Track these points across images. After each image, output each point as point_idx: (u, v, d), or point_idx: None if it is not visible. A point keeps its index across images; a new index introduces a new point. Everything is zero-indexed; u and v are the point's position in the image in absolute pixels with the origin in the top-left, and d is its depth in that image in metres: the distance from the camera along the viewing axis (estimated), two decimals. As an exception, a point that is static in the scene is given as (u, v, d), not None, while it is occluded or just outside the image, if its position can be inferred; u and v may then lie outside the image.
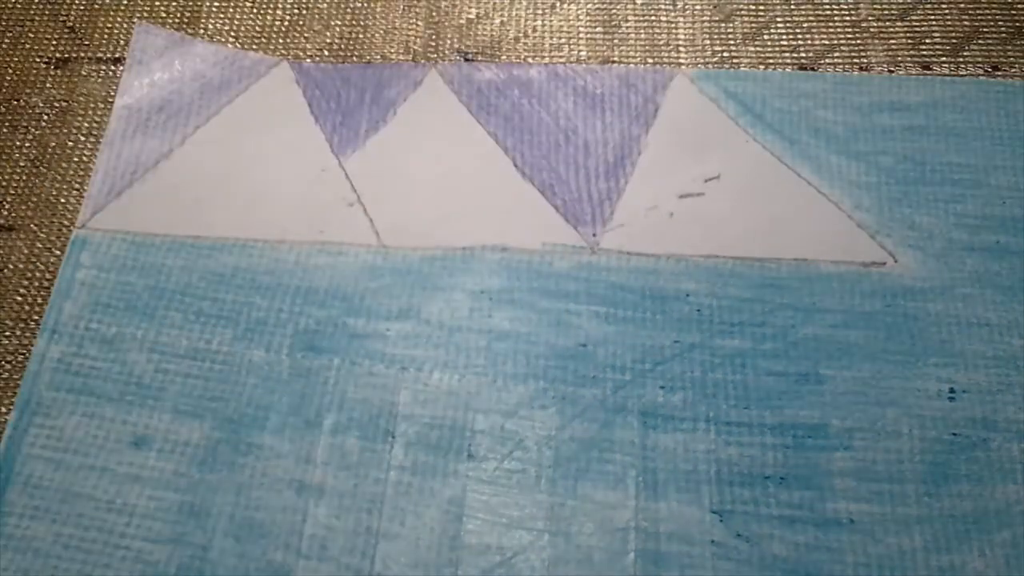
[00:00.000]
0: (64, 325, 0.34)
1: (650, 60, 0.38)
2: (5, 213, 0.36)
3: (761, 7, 0.39)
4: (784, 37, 0.38)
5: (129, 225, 0.36)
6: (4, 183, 0.35)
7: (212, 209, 0.36)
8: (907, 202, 0.34)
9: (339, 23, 0.40)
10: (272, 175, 0.36)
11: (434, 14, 0.40)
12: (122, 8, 0.40)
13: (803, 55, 0.38)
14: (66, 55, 0.39)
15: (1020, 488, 0.30)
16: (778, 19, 0.39)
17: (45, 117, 0.38)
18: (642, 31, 0.39)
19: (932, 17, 0.38)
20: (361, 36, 0.40)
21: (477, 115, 0.37)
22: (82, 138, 0.37)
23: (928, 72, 0.37)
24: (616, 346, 0.32)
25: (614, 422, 0.31)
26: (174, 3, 0.41)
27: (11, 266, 0.35)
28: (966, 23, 0.38)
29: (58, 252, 0.35)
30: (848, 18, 0.39)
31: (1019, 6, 0.38)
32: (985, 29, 0.38)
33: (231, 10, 0.41)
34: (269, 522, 0.30)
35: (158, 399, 0.32)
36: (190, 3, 0.41)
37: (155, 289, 0.34)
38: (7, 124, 0.38)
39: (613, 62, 0.38)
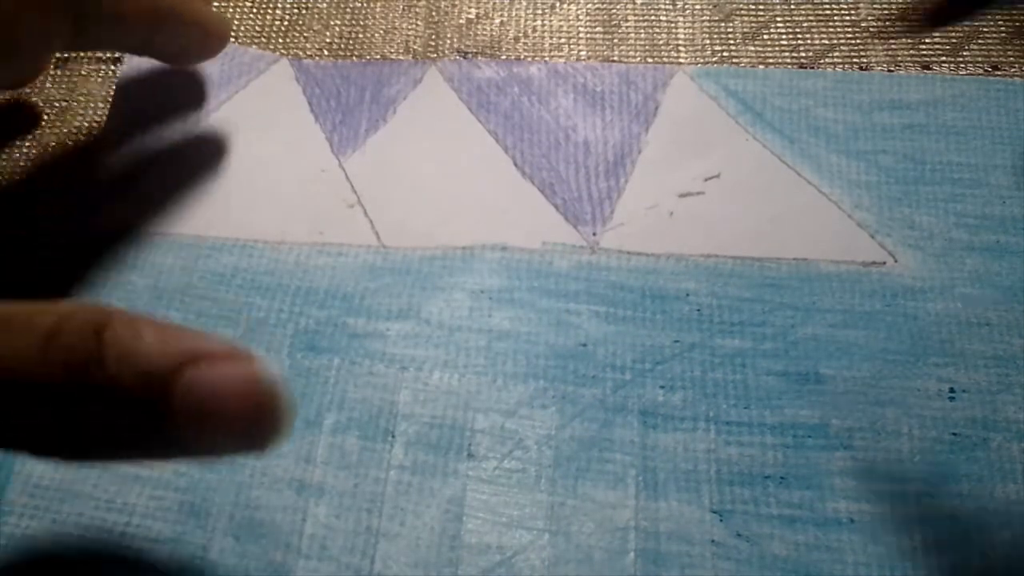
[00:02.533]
0: (64, 325, 0.34)
1: (650, 60, 0.38)
2: (5, 210, 0.36)
3: (761, 7, 0.39)
4: (784, 37, 0.38)
5: (128, 224, 0.35)
6: (4, 181, 0.35)
7: (211, 209, 0.36)
8: (907, 201, 0.34)
9: (339, 23, 0.40)
10: (272, 175, 0.36)
11: (434, 14, 0.40)
12: (122, 7, 0.40)
13: (803, 55, 0.38)
14: (66, 55, 0.39)
15: (1020, 488, 0.30)
16: (778, 19, 0.39)
17: (45, 117, 0.38)
18: (642, 31, 0.39)
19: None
20: (361, 36, 0.40)
21: (477, 113, 0.37)
22: (82, 138, 0.37)
23: (928, 72, 0.37)
24: (616, 346, 0.32)
25: (614, 422, 0.31)
26: (174, 2, 0.41)
27: (11, 266, 0.35)
28: (966, 23, 0.38)
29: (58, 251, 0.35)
30: (848, 18, 0.39)
31: (1019, 6, 0.38)
32: (985, 29, 0.38)
33: (231, 10, 0.41)
34: (269, 522, 0.30)
35: (158, 399, 0.32)
36: (190, 3, 0.41)
37: (155, 289, 0.34)
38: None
39: (613, 62, 0.38)
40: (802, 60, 0.38)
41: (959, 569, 0.28)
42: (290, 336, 0.33)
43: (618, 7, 0.40)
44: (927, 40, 0.38)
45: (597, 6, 0.40)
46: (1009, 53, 0.37)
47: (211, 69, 0.38)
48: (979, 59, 0.37)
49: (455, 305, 0.33)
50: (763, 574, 0.28)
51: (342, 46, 0.39)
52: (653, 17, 0.39)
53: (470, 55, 0.39)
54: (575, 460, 0.30)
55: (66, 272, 0.35)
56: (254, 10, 0.41)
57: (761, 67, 0.37)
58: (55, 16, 0.31)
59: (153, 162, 0.37)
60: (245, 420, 0.25)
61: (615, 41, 0.39)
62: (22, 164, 0.37)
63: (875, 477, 0.29)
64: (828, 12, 0.39)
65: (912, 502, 0.29)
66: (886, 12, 0.38)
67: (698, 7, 0.39)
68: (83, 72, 0.39)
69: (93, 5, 0.32)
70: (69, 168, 0.36)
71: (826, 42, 0.38)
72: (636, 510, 0.30)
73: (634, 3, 0.40)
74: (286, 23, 0.40)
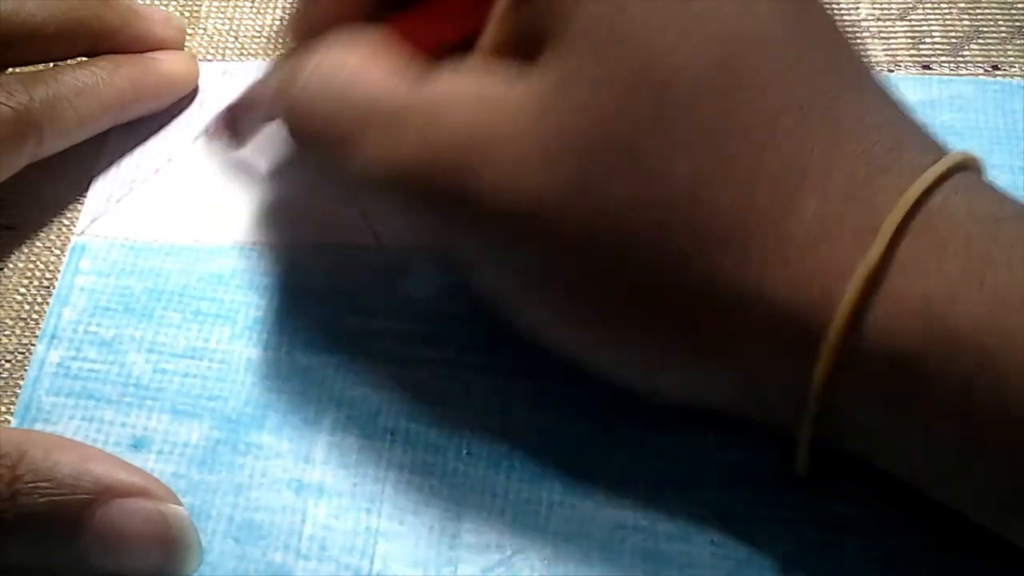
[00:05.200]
0: (63, 330, 0.34)
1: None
2: (5, 212, 0.36)
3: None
4: (784, 37, 0.38)
5: (128, 231, 0.36)
6: (4, 182, 0.35)
7: (211, 214, 0.36)
8: (906, 200, 0.34)
9: (338, 24, 0.40)
10: (270, 179, 0.36)
11: (433, 15, 0.40)
12: (122, 9, 0.40)
13: (803, 55, 0.38)
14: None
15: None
16: (778, 19, 0.39)
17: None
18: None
19: (932, 17, 0.38)
20: (360, 37, 0.40)
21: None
22: (81, 145, 0.37)
23: (928, 71, 0.37)
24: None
25: (616, 422, 0.31)
26: (173, 3, 0.41)
27: (11, 265, 0.35)
28: (966, 23, 0.38)
29: (57, 252, 0.35)
30: (848, 18, 0.38)
31: (1019, 6, 0.38)
32: (985, 29, 0.38)
33: (231, 10, 0.41)
34: (268, 522, 0.30)
35: (156, 399, 0.32)
36: (190, 3, 0.41)
37: (153, 291, 0.34)
38: (7, 124, 0.38)
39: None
40: (802, 60, 0.38)
41: (960, 569, 0.28)
42: (289, 336, 0.33)
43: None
44: (927, 40, 0.38)
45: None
46: (1009, 53, 0.37)
47: (209, 88, 0.39)
48: (979, 59, 0.37)
49: (454, 304, 0.33)
50: (763, 574, 0.28)
51: (342, 47, 0.39)
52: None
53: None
54: (576, 459, 0.30)
55: (64, 278, 0.35)
56: (253, 11, 0.41)
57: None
58: None
59: (154, 171, 0.37)
60: (152, 554, 0.27)
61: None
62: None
63: (875, 477, 0.29)
64: (828, 13, 0.39)
65: (912, 502, 0.29)
66: (886, 12, 0.38)
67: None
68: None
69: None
70: (70, 165, 0.36)
71: (826, 42, 0.38)
72: (636, 510, 0.29)
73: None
74: (286, 23, 0.40)
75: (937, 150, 0.26)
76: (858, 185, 0.25)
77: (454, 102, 0.27)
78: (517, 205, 0.26)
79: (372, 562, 0.29)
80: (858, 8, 0.39)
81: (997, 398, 0.23)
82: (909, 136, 0.27)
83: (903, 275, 0.24)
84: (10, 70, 0.36)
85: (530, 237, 0.26)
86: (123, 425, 0.32)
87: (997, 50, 0.37)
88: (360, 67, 0.28)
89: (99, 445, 0.31)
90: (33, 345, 0.33)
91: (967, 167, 0.26)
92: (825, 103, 0.26)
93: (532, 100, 0.26)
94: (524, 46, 0.27)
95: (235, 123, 0.35)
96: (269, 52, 0.39)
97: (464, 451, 0.31)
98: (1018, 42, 0.37)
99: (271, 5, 0.41)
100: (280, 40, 0.33)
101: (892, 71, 0.37)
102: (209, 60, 0.39)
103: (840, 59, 0.27)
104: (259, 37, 0.40)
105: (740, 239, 0.25)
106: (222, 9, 0.41)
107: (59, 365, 0.33)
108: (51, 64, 0.36)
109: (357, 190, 0.29)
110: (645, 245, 0.25)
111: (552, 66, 0.26)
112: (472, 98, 0.27)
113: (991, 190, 0.26)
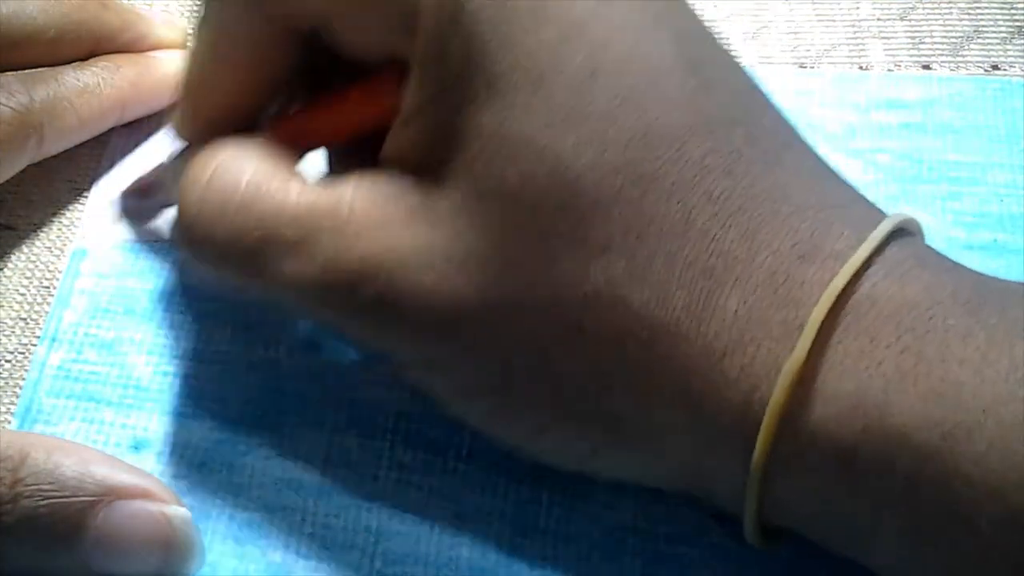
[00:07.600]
0: (64, 333, 0.34)
1: (649, 60, 0.38)
2: (5, 213, 0.36)
3: (761, 7, 0.39)
4: (784, 36, 0.38)
5: (129, 234, 0.36)
6: (4, 181, 0.35)
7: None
8: (905, 200, 0.34)
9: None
10: None
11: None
12: (122, 10, 0.40)
13: (803, 54, 0.38)
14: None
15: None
16: (778, 18, 0.39)
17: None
18: (641, 31, 0.39)
19: (932, 17, 0.38)
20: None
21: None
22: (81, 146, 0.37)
23: (928, 71, 0.37)
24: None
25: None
26: (173, 3, 0.41)
27: (11, 266, 0.35)
28: (966, 23, 0.38)
29: (58, 252, 0.35)
30: (848, 18, 0.38)
31: (1019, 6, 0.38)
32: (985, 29, 0.38)
33: (230, 11, 0.41)
34: (269, 522, 0.30)
35: (157, 401, 0.32)
36: (189, 3, 0.41)
37: (154, 292, 0.34)
38: (7, 123, 0.38)
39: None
40: (802, 60, 0.38)
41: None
42: (289, 335, 0.33)
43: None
44: (927, 40, 0.38)
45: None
46: (1009, 53, 0.37)
47: None
48: (979, 59, 0.37)
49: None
50: None
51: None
52: (652, 18, 0.39)
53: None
54: (575, 460, 0.30)
55: (65, 281, 0.35)
56: (254, 12, 0.41)
57: (761, 67, 0.37)
58: None
59: (152, 170, 0.37)
60: (154, 556, 0.27)
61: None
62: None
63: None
64: (828, 12, 0.39)
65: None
66: (886, 12, 0.38)
67: (698, 7, 0.39)
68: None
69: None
70: (70, 165, 0.36)
71: (826, 42, 0.38)
72: (636, 511, 0.29)
73: (633, 4, 0.40)
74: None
75: (868, 221, 0.25)
76: (780, 278, 0.24)
77: (363, 220, 0.26)
78: (436, 321, 0.26)
79: (372, 562, 0.29)
80: (858, 8, 0.39)
81: (942, 494, 0.22)
82: (836, 211, 0.25)
83: (833, 373, 0.23)
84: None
85: (452, 350, 0.26)
86: (124, 427, 0.32)
87: (997, 50, 0.37)
88: (257, 181, 0.27)
89: (100, 447, 0.31)
90: (33, 345, 0.34)
91: (903, 232, 0.25)
92: (740, 192, 0.24)
93: (441, 218, 0.26)
94: (425, 159, 0.26)
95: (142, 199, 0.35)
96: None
97: (464, 451, 0.31)
98: (1018, 42, 0.37)
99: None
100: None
101: (892, 71, 0.37)
102: (209, 61, 0.39)
103: (755, 135, 0.25)
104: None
105: (661, 341, 0.24)
106: (222, 10, 0.41)
107: (59, 367, 0.33)
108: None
109: (268, 300, 0.29)
110: (566, 351, 0.25)
111: (459, 182, 0.25)
112: (380, 219, 0.26)
113: (926, 263, 0.25)
